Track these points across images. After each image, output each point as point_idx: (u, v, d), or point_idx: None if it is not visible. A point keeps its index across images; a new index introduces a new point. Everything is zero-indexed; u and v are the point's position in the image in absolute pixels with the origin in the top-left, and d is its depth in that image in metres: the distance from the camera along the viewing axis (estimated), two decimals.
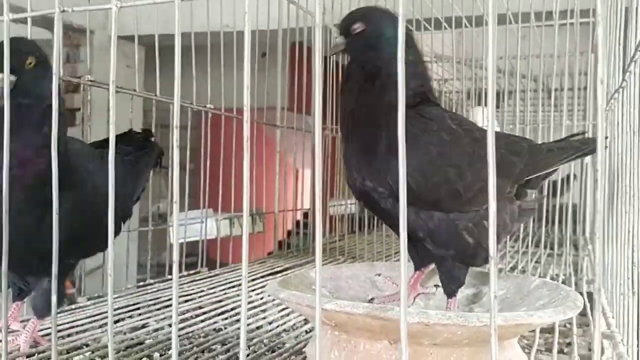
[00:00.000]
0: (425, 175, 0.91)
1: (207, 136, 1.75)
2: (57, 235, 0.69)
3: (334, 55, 1.08)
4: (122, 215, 1.12)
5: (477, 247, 0.97)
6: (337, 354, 0.83)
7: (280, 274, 1.69)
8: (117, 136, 1.03)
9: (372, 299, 1.04)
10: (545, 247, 2.16)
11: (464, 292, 1.06)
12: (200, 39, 1.83)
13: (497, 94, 2.64)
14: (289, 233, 2.50)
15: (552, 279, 1.71)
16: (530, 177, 1.00)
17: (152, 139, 1.25)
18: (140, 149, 1.18)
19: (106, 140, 1.06)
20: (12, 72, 0.91)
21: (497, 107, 2.51)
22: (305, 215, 2.52)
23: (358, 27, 0.98)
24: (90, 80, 1.36)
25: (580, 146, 1.04)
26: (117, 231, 1.07)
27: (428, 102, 1.00)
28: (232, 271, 1.75)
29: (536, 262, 1.97)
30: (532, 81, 2.77)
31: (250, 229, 2.06)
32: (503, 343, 0.83)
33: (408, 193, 0.92)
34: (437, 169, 0.92)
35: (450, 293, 1.00)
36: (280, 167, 2.11)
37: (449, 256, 0.97)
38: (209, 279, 1.63)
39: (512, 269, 1.87)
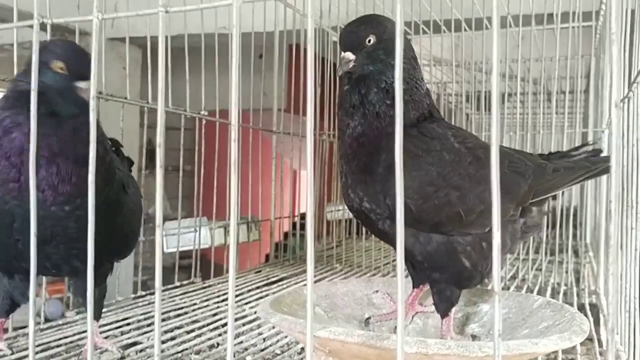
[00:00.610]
0: (426, 197, 0.87)
1: (202, 143, 1.70)
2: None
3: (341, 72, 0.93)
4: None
5: (473, 271, 0.93)
6: None
7: (275, 285, 1.66)
8: None
9: (368, 318, 1.01)
10: (545, 254, 2.13)
11: (464, 310, 1.02)
12: (195, 41, 1.79)
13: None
14: (286, 235, 2.47)
15: (553, 288, 1.67)
16: (534, 200, 0.96)
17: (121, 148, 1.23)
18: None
19: None
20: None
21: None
22: (302, 216, 2.48)
23: (370, 40, 0.89)
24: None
25: (589, 166, 0.99)
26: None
27: (432, 118, 0.95)
28: (226, 282, 1.70)
29: (537, 269, 1.93)
30: (533, 84, 2.73)
31: (245, 238, 2.03)
32: None
33: (407, 215, 0.89)
34: (437, 191, 0.87)
35: (443, 313, 0.96)
36: (277, 173, 2.07)
37: (443, 279, 0.94)
38: (203, 291, 1.59)
39: (513, 277, 1.83)
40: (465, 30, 2.20)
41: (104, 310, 1.35)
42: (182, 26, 1.71)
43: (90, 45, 1.45)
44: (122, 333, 1.22)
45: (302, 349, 1.14)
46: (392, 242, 0.96)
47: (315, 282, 1.72)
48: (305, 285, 1.01)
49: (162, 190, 0.64)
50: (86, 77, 0.87)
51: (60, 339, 1.14)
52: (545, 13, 2.13)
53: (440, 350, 0.68)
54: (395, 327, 0.98)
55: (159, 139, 0.65)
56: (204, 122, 1.72)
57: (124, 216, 1.02)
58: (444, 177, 0.88)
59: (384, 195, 0.88)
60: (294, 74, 2.23)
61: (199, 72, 1.77)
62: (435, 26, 2.34)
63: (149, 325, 1.27)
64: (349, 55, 0.90)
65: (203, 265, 1.76)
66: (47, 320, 3.36)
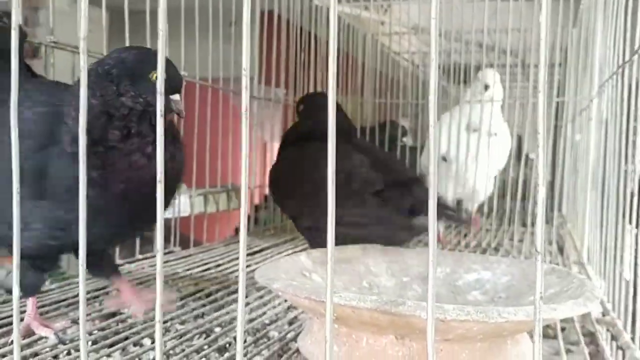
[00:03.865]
0: None
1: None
2: None
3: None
4: None
5: None
6: (336, 349, 0.76)
7: (258, 254, 1.61)
8: None
9: None
10: (523, 225, 2.13)
11: (464, 278, 0.99)
12: (174, 2, 1.70)
13: (476, 68, 2.57)
14: (257, 208, 2.42)
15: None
16: None
17: None
18: None
19: None
20: None
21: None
22: None
23: (301, 108, 1.58)
24: (54, 42, 1.24)
25: None
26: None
27: None
28: (207, 251, 1.65)
29: (519, 240, 1.93)
30: (510, 55, 2.71)
31: (225, 206, 1.97)
32: (516, 337, 0.77)
33: None
34: None
35: None
36: (258, 141, 2.00)
37: None
38: (184, 260, 1.53)
39: (496, 249, 1.82)
40: None
41: (78, 279, 1.28)
42: None
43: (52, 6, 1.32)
44: (100, 303, 1.16)
45: (295, 317, 1.10)
46: None
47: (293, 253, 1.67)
48: (301, 252, 0.97)
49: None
50: (178, 89, 0.90)
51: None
52: None
53: (459, 316, 0.64)
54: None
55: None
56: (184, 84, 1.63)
57: None
58: None
59: None
60: (267, 42, 2.16)
61: (177, 36, 1.70)
62: None
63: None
64: None
65: (181, 240, 1.68)
66: (7, 291, 3.22)
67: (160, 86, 0.53)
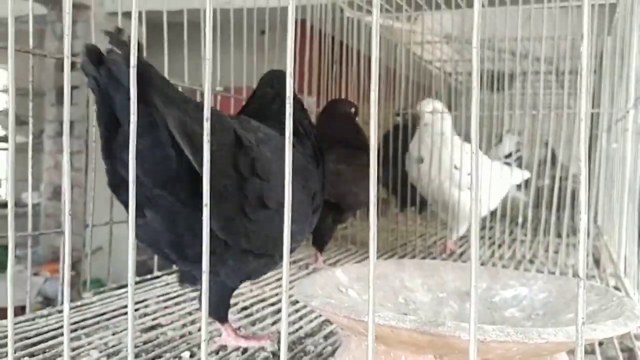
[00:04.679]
0: None
1: None
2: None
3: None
4: None
5: None
6: None
7: (293, 265, 1.62)
8: None
9: None
10: (558, 236, 2.10)
11: (501, 294, 0.99)
12: (196, 16, 1.74)
13: (510, 76, 2.56)
14: None
15: (574, 271, 1.65)
16: None
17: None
18: None
19: None
20: None
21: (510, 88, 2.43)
22: None
23: None
24: None
25: None
26: None
27: None
28: None
29: (554, 252, 1.91)
30: (544, 63, 2.69)
31: None
32: (555, 356, 0.77)
33: None
34: None
35: None
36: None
37: None
38: None
39: (531, 261, 1.80)
40: (483, 6, 2.14)
41: (120, 291, 1.31)
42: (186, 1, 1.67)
43: (88, 19, 1.37)
44: (146, 314, 1.18)
45: (331, 332, 1.11)
46: None
47: (331, 264, 1.69)
48: (336, 267, 0.98)
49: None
50: None
51: (81, 320, 1.11)
52: None
53: (499, 337, 0.64)
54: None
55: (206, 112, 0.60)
56: (219, 97, 1.67)
57: None
58: None
59: None
60: (299, 51, 2.18)
61: (215, 50, 1.72)
62: (447, 1, 2.29)
63: (166, 307, 1.24)
64: None
65: None
66: (46, 298, 3.26)
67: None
